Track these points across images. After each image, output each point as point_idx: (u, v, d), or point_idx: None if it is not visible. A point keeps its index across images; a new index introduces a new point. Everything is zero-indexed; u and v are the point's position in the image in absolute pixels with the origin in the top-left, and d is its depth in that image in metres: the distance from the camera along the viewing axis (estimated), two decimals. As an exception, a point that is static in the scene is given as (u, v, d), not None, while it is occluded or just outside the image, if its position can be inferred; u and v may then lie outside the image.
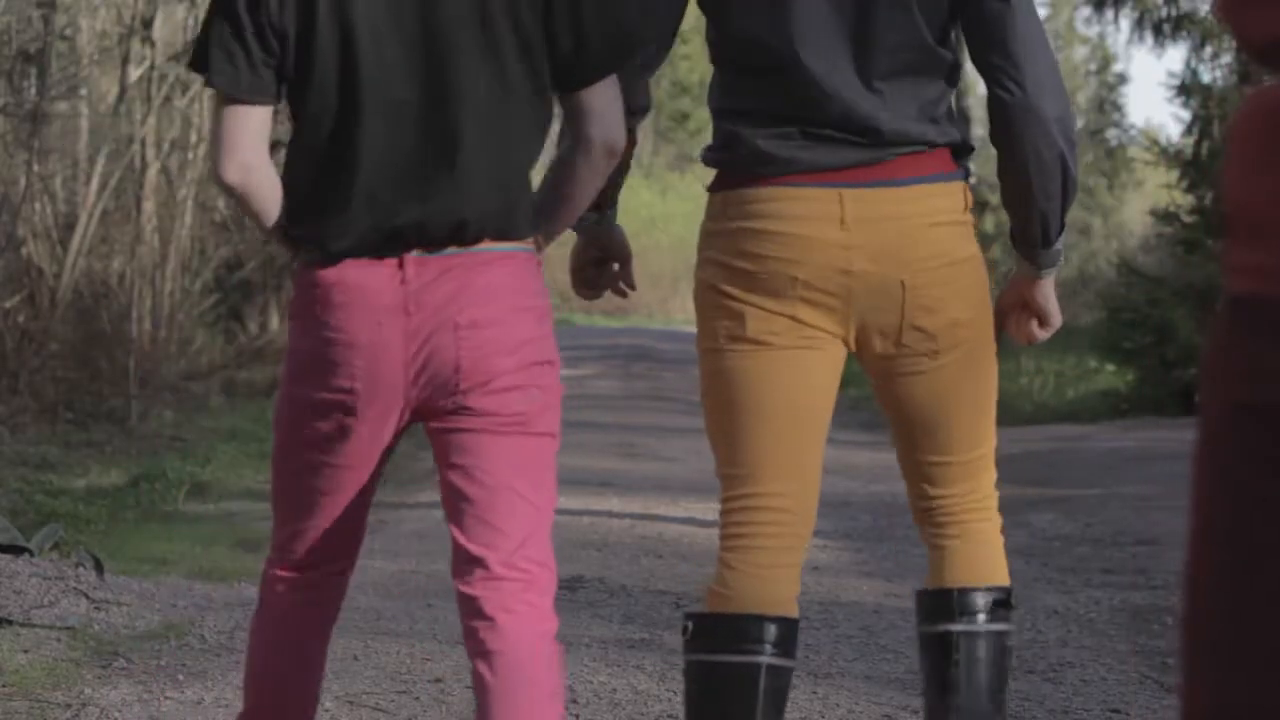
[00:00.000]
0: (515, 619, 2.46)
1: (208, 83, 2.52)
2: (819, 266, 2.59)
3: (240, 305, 19.60)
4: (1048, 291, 2.81)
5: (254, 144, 2.49)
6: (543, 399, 2.51)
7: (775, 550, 2.66)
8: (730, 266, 2.63)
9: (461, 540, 2.49)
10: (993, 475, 2.83)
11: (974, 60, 2.69)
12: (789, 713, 3.03)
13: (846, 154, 2.59)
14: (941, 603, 2.73)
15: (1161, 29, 17.36)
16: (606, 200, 2.76)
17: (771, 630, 2.62)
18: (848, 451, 10.31)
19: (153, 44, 12.46)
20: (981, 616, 2.71)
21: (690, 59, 49.73)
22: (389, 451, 2.58)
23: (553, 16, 2.46)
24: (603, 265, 2.89)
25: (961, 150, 2.71)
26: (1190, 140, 16.26)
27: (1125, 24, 17.94)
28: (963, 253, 2.66)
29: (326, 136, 2.47)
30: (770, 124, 2.61)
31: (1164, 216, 14.86)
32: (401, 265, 2.44)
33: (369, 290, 2.45)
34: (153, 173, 12.59)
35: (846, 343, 2.67)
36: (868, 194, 2.59)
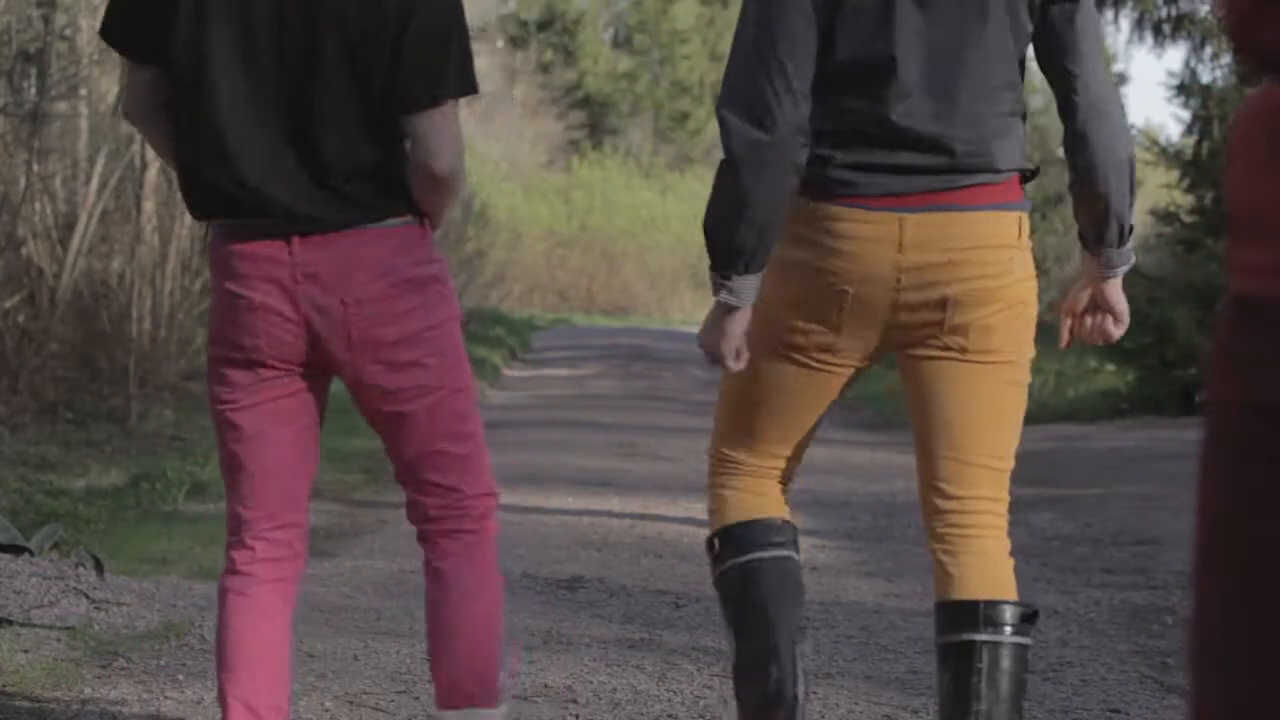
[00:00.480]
0: (452, 541, 2.92)
1: (102, 34, 2.86)
2: (872, 286, 2.77)
3: (240, 305, 19.57)
4: (1119, 290, 2.95)
5: (134, 96, 2.86)
6: (440, 364, 2.83)
7: (770, 489, 2.99)
8: (787, 273, 2.81)
9: (402, 487, 2.96)
10: (1007, 497, 2.92)
11: (1043, 66, 2.82)
12: None
13: (916, 180, 2.74)
14: (966, 613, 2.80)
15: (1161, 29, 17.35)
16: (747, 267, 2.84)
17: (782, 529, 2.95)
18: (848, 451, 10.31)
19: (153, 44, 12.44)
20: (1008, 629, 2.79)
21: (690, 59, 49.70)
22: (319, 399, 2.92)
23: (379, 49, 2.72)
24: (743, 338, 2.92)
25: (1027, 177, 2.84)
26: (1190, 140, 16.25)
27: (1125, 24, 17.93)
28: (1010, 277, 2.79)
29: (189, 124, 2.78)
30: (852, 149, 2.75)
31: (1164, 216, 14.86)
32: (288, 244, 2.76)
33: (260, 260, 2.76)
34: (153, 173, 12.58)
35: (888, 344, 2.86)
36: (926, 218, 2.74)
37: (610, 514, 7.40)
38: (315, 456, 2.97)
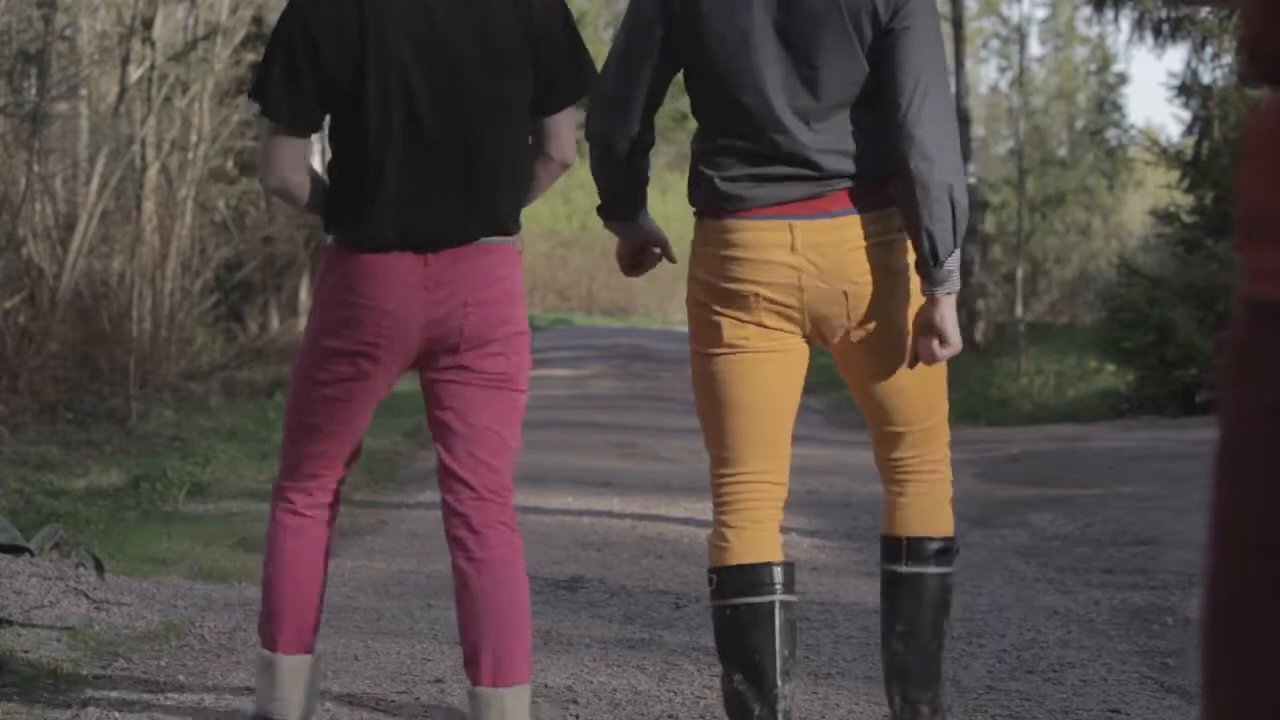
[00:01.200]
0: (495, 533, 3.28)
1: (264, 113, 3.23)
2: (776, 284, 3.15)
3: (240, 305, 19.60)
4: (945, 312, 3.20)
5: (294, 163, 3.23)
6: (519, 362, 3.30)
7: (762, 512, 3.27)
8: (709, 284, 3.21)
9: (452, 465, 3.29)
10: (944, 440, 3.43)
11: (876, 80, 3.13)
12: (791, 715, 3.13)
13: (794, 189, 3.12)
14: (895, 548, 3.38)
15: (1161, 29, 17.35)
16: (637, 209, 3.46)
17: (778, 573, 3.23)
18: (848, 451, 10.31)
19: (153, 44, 12.46)
20: (930, 564, 3.35)
21: (690, 59, 49.66)
22: (391, 385, 3.36)
23: (539, 64, 3.21)
24: (644, 252, 3.52)
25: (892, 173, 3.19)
26: (1190, 140, 16.25)
27: (1125, 24, 17.94)
28: (896, 265, 3.18)
29: (363, 161, 3.16)
30: (731, 166, 3.16)
31: (1164, 216, 14.86)
32: (426, 259, 3.18)
33: (397, 270, 3.17)
34: (153, 173, 12.59)
35: (808, 339, 3.27)
36: (812, 224, 3.13)
37: (610, 514, 7.40)
38: (369, 421, 3.45)
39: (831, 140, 3.10)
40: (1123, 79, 46.35)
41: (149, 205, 12.42)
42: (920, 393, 3.33)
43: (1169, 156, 14.87)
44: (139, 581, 5.41)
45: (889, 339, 3.23)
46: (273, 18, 20.54)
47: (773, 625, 3.20)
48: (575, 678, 4.27)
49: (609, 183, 3.37)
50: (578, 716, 3.93)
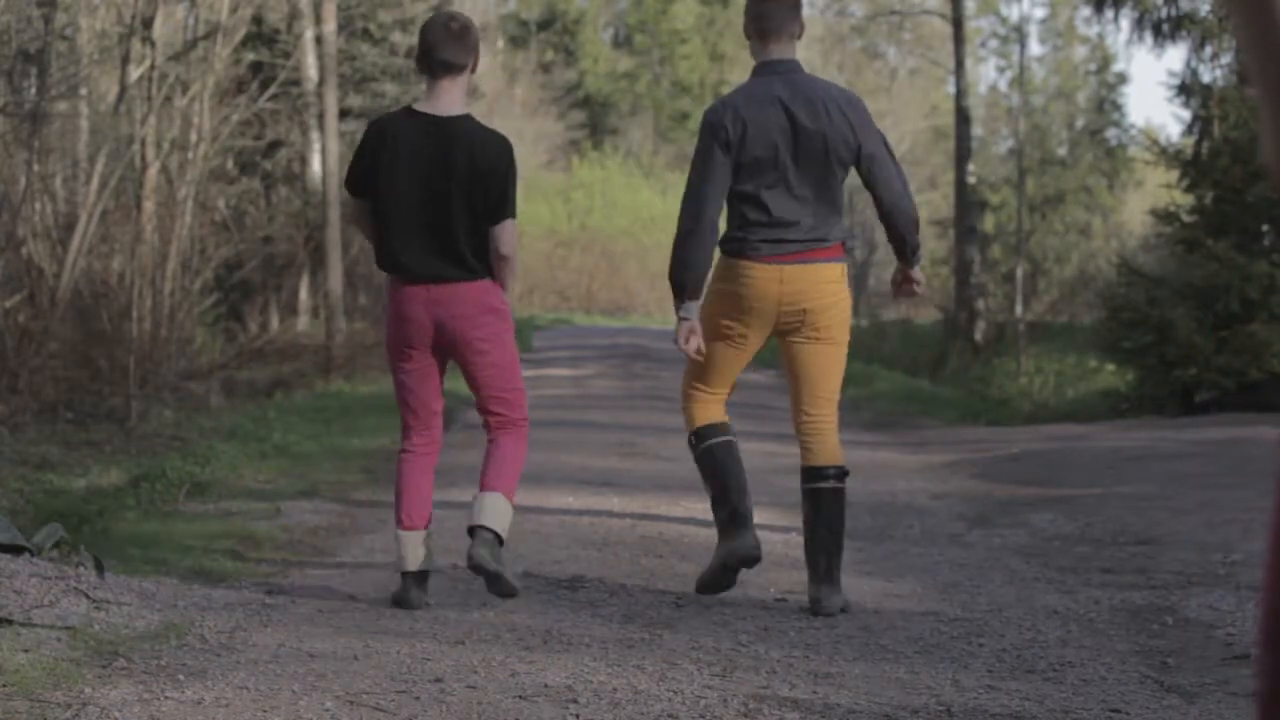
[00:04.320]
0: (513, 425, 5.38)
1: (345, 184, 5.51)
2: (766, 302, 5.26)
3: (240, 305, 19.60)
4: (916, 274, 5.50)
5: (360, 213, 5.41)
6: (503, 349, 5.32)
7: (717, 406, 5.49)
8: (722, 296, 5.33)
9: (481, 409, 5.40)
10: (836, 405, 5.37)
11: (865, 185, 5.29)
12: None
13: (787, 247, 5.23)
14: (813, 472, 5.32)
15: (1161, 29, 17.35)
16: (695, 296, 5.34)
17: (730, 427, 5.49)
18: (848, 451, 10.28)
19: (153, 44, 12.46)
20: (832, 481, 5.31)
21: (690, 59, 49.71)
22: (442, 366, 5.37)
23: (483, 194, 5.21)
24: (694, 333, 5.31)
25: (847, 241, 5.35)
26: (1190, 140, 16.25)
27: (1125, 24, 18.00)
28: (836, 297, 5.27)
29: (388, 228, 5.24)
30: (753, 231, 5.24)
31: (1164, 216, 14.84)
32: (428, 287, 5.23)
33: (414, 296, 5.24)
34: (153, 172, 12.59)
35: (774, 333, 5.33)
36: (794, 268, 5.23)
37: (610, 514, 7.40)
38: (441, 391, 5.41)
39: (815, 224, 5.23)
40: (1123, 79, 46.32)
41: (149, 205, 12.42)
42: (833, 374, 5.33)
43: (1169, 156, 14.86)
44: (139, 581, 5.41)
45: (825, 337, 5.29)
46: (273, 17, 20.55)
47: (731, 454, 5.39)
48: (575, 677, 4.27)
49: (702, 257, 5.20)
50: (578, 716, 3.92)
